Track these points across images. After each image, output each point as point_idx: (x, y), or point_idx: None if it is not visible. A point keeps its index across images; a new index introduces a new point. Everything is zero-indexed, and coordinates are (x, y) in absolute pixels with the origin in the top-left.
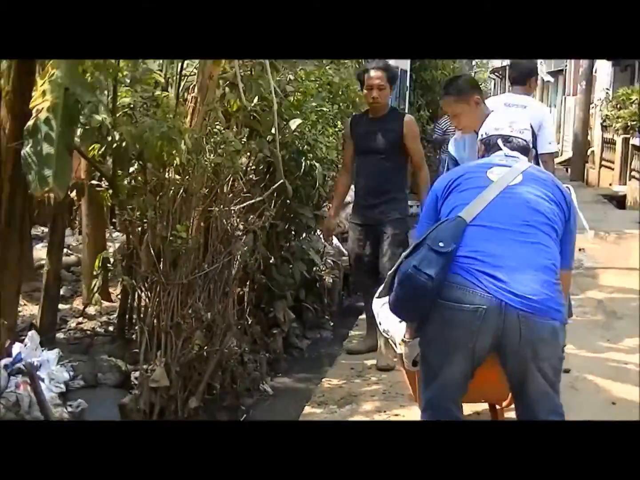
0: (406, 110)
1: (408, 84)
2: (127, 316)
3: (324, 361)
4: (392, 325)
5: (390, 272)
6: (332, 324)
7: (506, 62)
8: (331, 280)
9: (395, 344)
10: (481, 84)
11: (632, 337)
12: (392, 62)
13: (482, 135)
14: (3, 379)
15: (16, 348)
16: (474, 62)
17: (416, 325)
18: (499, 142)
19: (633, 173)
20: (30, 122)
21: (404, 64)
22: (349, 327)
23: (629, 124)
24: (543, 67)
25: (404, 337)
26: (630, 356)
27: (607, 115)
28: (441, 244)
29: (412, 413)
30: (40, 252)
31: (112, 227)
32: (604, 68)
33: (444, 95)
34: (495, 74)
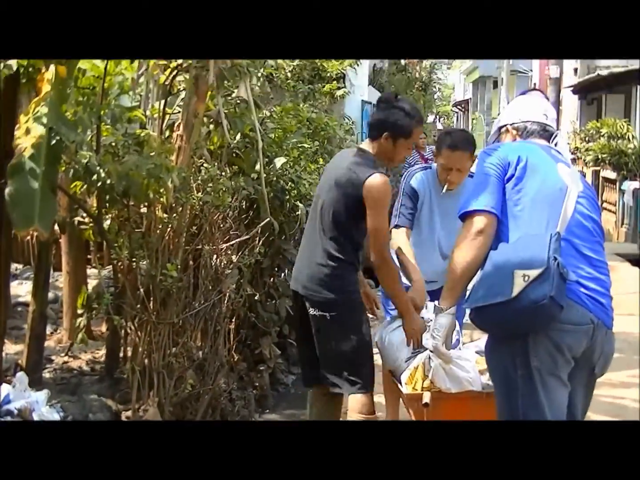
0: None
1: None
2: (115, 355)
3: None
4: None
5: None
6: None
7: (468, 95)
8: None
9: (400, 383)
10: (442, 117)
11: (622, 371)
12: (365, 96)
13: (512, 120)
14: None
15: (4, 389)
16: (436, 96)
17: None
18: (537, 129)
19: (605, 205)
20: (14, 161)
21: (374, 99)
22: None
23: (599, 156)
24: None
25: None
26: (624, 391)
27: (576, 147)
28: (565, 270)
29: None
30: (16, 289)
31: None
32: (569, 101)
33: (460, 149)
34: (457, 107)
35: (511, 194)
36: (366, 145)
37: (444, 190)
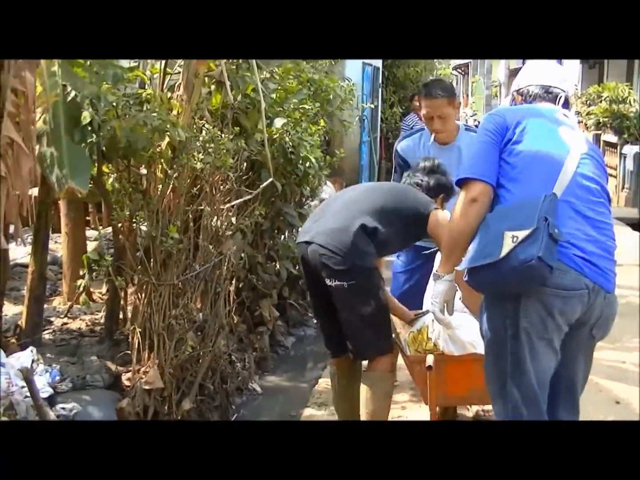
0: (379, 108)
1: (381, 81)
2: (115, 317)
3: (309, 359)
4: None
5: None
6: (315, 320)
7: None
8: None
9: (404, 344)
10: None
11: (626, 335)
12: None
13: (519, 86)
14: None
15: None
16: (436, 59)
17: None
18: (539, 92)
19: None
20: (38, 124)
21: (377, 61)
22: None
23: (601, 120)
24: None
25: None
26: (626, 355)
27: (577, 111)
28: (556, 231)
29: (416, 414)
30: (14, 250)
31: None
32: (571, 65)
33: (434, 95)
34: (458, 70)
35: (509, 158)
36: None
37: (432, 140)
